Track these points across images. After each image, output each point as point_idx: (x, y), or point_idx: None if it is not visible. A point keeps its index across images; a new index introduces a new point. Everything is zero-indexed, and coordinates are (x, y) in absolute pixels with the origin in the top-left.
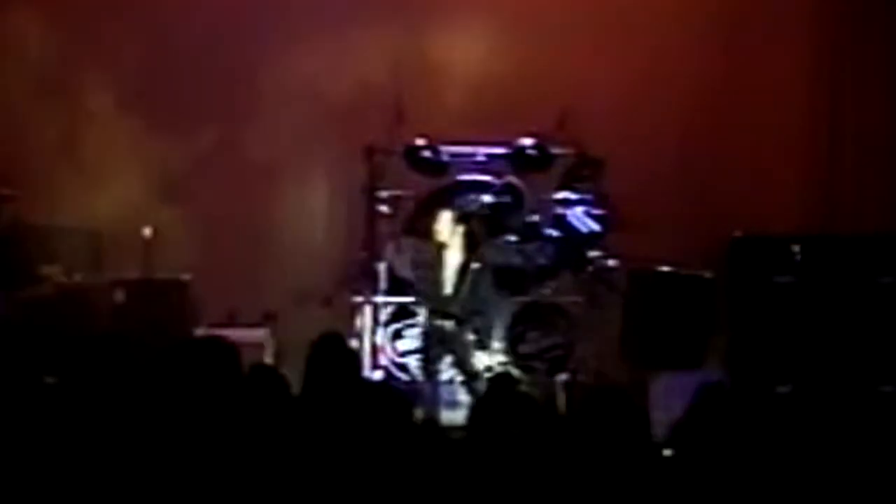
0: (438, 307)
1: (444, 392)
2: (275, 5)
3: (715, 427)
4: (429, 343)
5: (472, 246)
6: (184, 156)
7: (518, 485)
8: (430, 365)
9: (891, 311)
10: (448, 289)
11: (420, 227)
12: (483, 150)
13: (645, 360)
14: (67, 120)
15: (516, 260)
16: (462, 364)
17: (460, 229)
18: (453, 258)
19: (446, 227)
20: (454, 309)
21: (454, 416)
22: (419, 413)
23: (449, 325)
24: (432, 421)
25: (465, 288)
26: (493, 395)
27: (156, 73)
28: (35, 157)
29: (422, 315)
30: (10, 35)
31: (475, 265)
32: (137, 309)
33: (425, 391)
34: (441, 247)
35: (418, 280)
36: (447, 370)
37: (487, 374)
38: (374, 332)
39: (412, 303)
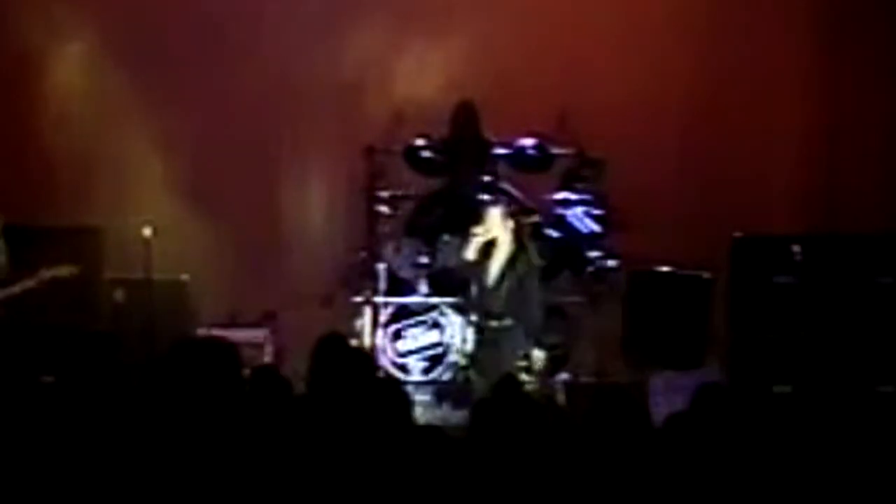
0: (486, 307)
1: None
2: (276, 2)
3: (714, 427)
4: (483, 343)
5: (520, 241)
6: (184, 156)
7: (520, 484)
8: (477, 364)
9: (890, 311)
10: (490, 281)
11: (420, 226)
12: None
13: (645, 360)
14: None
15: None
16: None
17: (510, 224)
18: (501, 252)
19: (496, 222)
20: (499, 307)
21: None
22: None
23: (505, 323)
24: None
25: (510, 284)
26: (495, 396)
27: (156, 74)
28: (34, 155)
29: (469, 316)
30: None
31: (522, 267)
32: (137, 309)
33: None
34: (490, 242)
35: (467, 281)
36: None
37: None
38: (373, 332)
39: (457, 304)
